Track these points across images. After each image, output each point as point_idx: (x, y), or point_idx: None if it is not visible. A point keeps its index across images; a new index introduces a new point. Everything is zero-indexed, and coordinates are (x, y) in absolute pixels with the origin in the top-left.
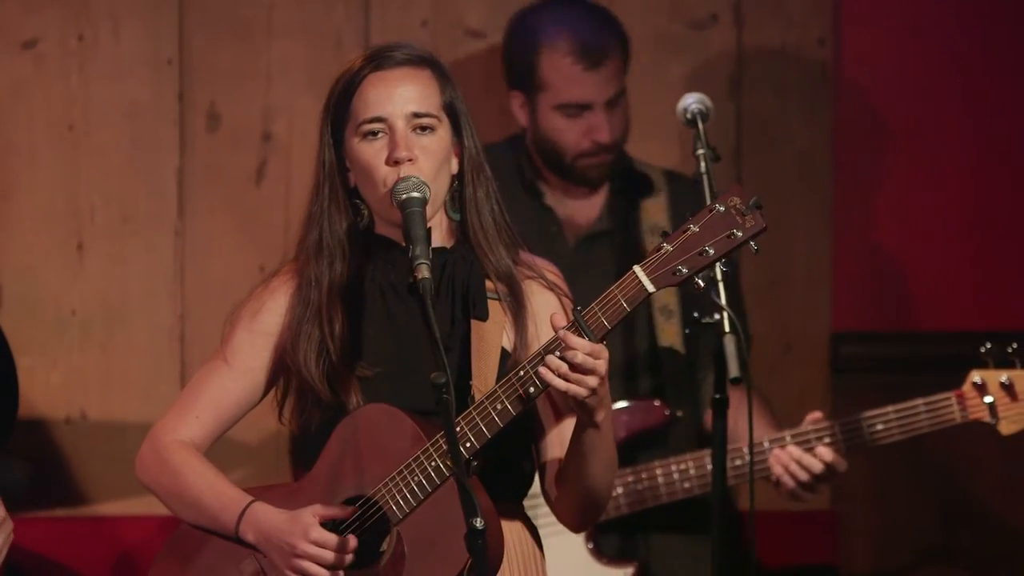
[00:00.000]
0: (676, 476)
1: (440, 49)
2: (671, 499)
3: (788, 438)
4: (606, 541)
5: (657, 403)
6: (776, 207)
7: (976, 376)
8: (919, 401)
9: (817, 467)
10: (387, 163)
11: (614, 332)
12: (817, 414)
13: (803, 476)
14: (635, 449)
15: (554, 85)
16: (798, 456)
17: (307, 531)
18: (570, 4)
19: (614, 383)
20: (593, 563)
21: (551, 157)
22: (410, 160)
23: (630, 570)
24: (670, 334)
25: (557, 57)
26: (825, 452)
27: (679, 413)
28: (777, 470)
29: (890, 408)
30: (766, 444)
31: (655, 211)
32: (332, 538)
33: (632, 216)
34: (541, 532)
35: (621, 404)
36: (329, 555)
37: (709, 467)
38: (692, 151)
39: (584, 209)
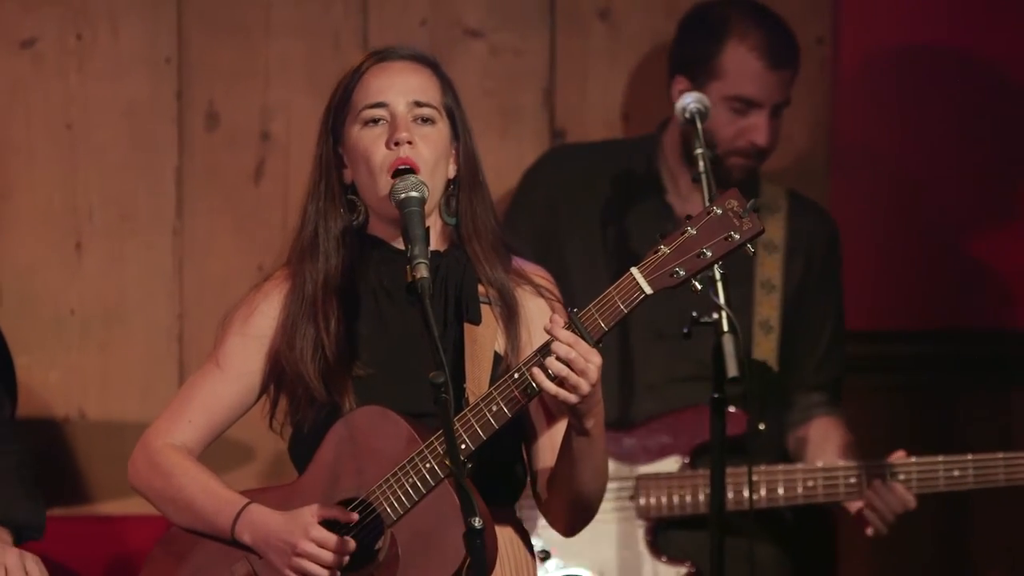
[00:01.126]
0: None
1: (439, 48)
2: (735, 507)
3: (863, 471)
4: (666, 537)
5: (738, 412)
6: None
7: None
8: (999, 455)
9: (898, 507)
10: (387, 146)
11: (700, 335)
12: (901, 452)
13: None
14: (701, 455)
15: (731, 76)
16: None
17: (307, 530)
18: (758, 7)
19: (703, 384)
20: (649, 557)
21: None
22: (410, 143)
23: (683, 570)
24: (766, 349)
25: (744, 50)
26: (899, 488)
27: (761, 427)
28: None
29: (969, 456)
30: (841, 473)
31: (772, 227)
32: (332, 537)
33: None
34: (602, 518)
35: (700, 409)
36: (329, 555)
37: (779, 487)
38: (691, 150)
39: None
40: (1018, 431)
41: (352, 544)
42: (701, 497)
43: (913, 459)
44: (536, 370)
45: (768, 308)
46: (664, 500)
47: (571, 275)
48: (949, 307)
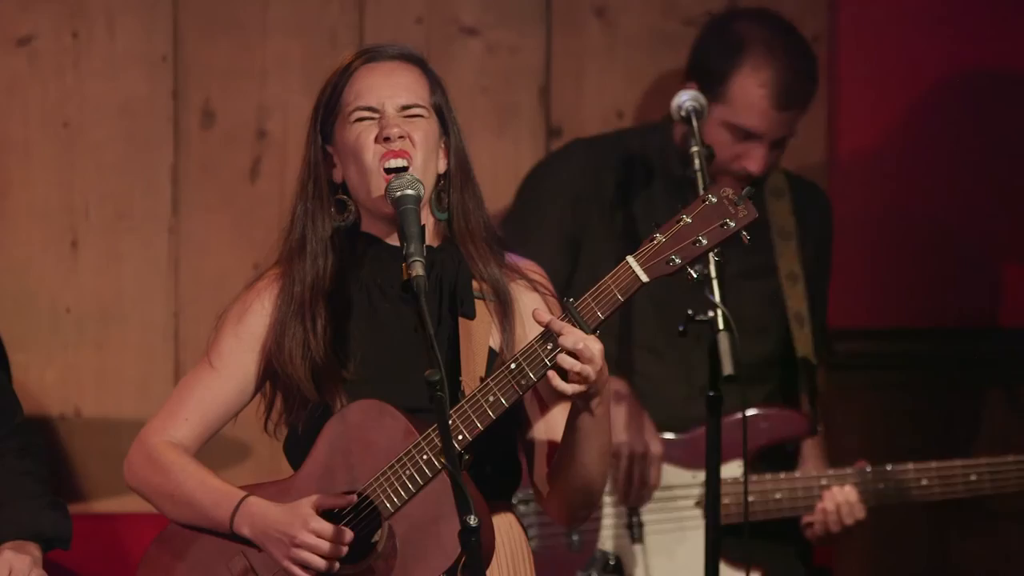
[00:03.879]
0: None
1: (434, 46)
2: (794, 513)
3: (870, 473)
4: (729, 544)
5: (799, 414)
6: None
7: None
8: (1010, 458)
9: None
10: (376, 141)
11: (751, 338)
12: (862, 462)
13: (849, 520)
14: (763, 459)
15: (736, 105)
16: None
17: (307, 521)
18: (786, 31)
19: (754, 390)
20: (723, 566)
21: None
22: (401, 137)
23: None
24: (804, 343)
25: (753, 84)
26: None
27: (820, 428)
28: (829, 507)
29: (983, 460)
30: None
31: (781, 213)
32: (331, 528)
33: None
34: (663, 527)
35: (763, 411)
36: (328, 545)
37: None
38: (687, 148)
39: None
40: (1016, 429)
41: (350, 534)
42: (773, 503)
43: (933, 464)
44: (547, 359)
45: (797, 300)
46: (734, 504)
47: (603, 263)
48: (948, 305)
